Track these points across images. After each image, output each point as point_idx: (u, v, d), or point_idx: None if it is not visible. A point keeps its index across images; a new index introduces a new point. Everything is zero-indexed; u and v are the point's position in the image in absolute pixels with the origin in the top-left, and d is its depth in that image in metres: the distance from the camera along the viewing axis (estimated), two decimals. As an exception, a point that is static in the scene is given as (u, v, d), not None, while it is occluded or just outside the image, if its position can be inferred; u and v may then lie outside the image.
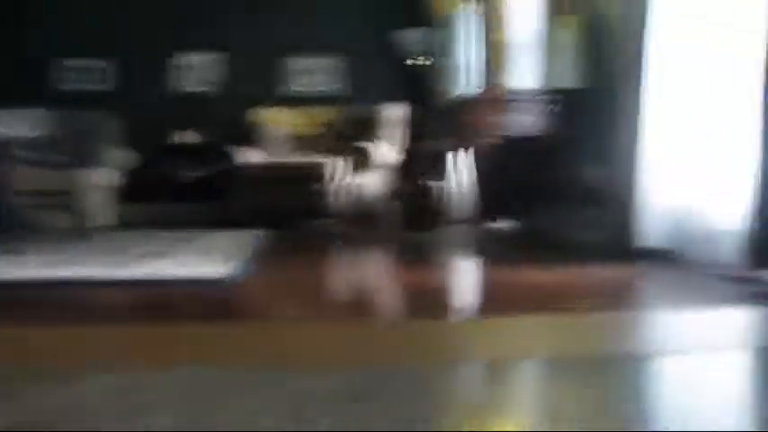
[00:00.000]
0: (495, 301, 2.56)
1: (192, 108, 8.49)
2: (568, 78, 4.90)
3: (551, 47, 5.14)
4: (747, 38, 3.16)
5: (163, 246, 4.56)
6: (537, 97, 4.31)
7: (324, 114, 8.27)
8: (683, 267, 3.29)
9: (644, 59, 3.71)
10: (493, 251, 4.55)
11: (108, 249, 4.34)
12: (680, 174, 3.54)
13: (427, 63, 8.20)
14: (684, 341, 1.83)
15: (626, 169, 3.76)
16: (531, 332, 1.86)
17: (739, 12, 3.25)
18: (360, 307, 2.47)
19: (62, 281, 3.05)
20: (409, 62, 8.36)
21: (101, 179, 7.13)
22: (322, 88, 8.91)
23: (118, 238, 5.38)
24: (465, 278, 3.47)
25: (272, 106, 8.38)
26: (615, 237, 3.82)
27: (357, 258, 4.50)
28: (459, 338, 1.87)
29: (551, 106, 4.23)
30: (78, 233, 5.50)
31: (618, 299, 2.62)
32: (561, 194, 5.55)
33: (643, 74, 3.71)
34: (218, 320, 2.23)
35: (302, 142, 8.20)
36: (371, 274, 3.54)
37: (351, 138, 7.80)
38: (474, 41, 4.44)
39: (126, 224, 7.47)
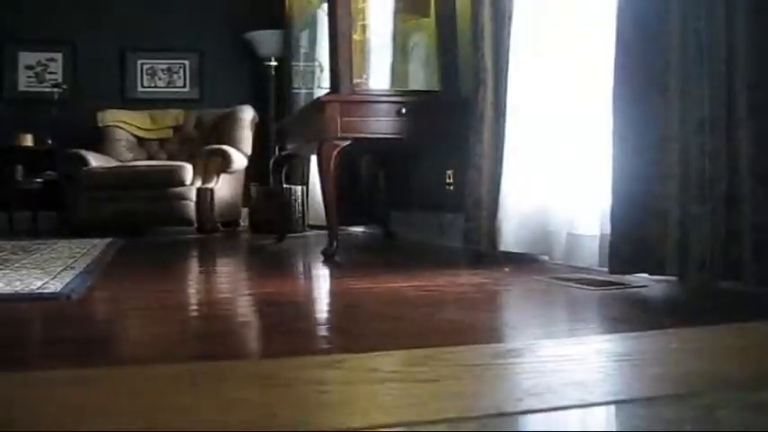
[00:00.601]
0: (350, 313, 2.41)
1: (33, 109, 8.03)
2: (424, 80, 4.84)
3: (406, 48, 5.07)
4: (602, 34, 3.13)
5: (-5, 257, 4.24)
6: (393, 99, 4.18)
7: (174, 116, 7.97)
8: (542, 272, 3.21)
9: (500, 60, 3.65)
10: (350, 258, 4.40)
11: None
12: (539, 176, 3.48)
13: (281, 65, 8.04)
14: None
15: (485, 172, 3.68)
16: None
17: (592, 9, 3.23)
18: (203, 327, 2.27)
19: None
20: (263, 63, 8.19)
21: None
22: (172, 89, 8.62)
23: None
24: (319, 288, 3.30)
25: (118, 108, 8.03)
26: (475, 241, 3.73)
27: (209, 268, 4.26)
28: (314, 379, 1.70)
29: (407, 108, 4.11)
30: None
31: (477, 306, 2.50)
32: (419, 199, 5.49)
33: (500, 75, 3.64)
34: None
35: (151, 145, 7.89)
36: (218, 285, 3.32)
37: (202, 141, 7.58)
38: (328, 42, 4.26)
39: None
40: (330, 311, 2.53)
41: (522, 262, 3.60)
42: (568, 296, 2.68)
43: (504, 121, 3.59)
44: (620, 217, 2.65)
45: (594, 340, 1.87)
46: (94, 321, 2.33)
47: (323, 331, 2.08)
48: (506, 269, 3.37)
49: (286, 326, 2.15)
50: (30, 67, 8.35)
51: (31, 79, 8.34)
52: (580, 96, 3.26)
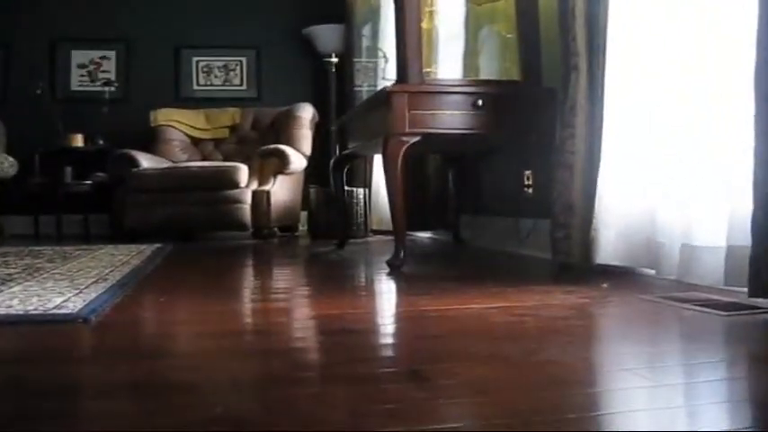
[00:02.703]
0: (428, 349, 1.92)
1: (85, 109, 7.70)
2: (499, 70, 4.34)
3: (479, 36, 4.58)
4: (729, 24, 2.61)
5: (30, 265, 3.84)
6: (468, 89, 3.69)
7: (230, 116, 7.57)
8: (651, 291, 2.70)
9: (595, 41, 3.13)
10: (419, 269, 3.93)
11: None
12: (648, 176, 2.95)
13: (342, 61, 7.60)
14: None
15: (578, 172, 3.16)
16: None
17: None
18: (246, 362, 1.81)
19: None
20: (323, 60, 7.77)
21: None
22: (228, 88, 8.23)
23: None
24: (386, 310, 2.81)
25: (173, 107, 7.66)
26: (564, 252, 3.22)
27: (263, 280, 3.81)
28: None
29: (483, 100, 3.62)
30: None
31: (583, 341, 2.00)
32: (492, 202, 4.99)
33: (595, 58, 3.12)
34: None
35: (206, 146, 7.51)
36: (272, 304, 2.86)
37: (259, 141, 7.18)
38: (395, 29, 3.78)
39: (4, 239, 6.72)
40: (400, 345, 2.04)
41: (621, 277, 3.08)
42: (692, 322, 2.16)
43: (601, 112, 3.07)
44: (763, 227, 2.11)
45: None
46: (97, 360, 1.87)
47: (391, 380, 1.59)
48: (604, 285, 2.86)
49: (344, 369, 1.67)
50: (82, 66, 8.04)
51: (84, 78, 8.03)
52: (700, 78, 2.72)
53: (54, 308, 2.41)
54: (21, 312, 2.34)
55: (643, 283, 2.92)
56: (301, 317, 2.54)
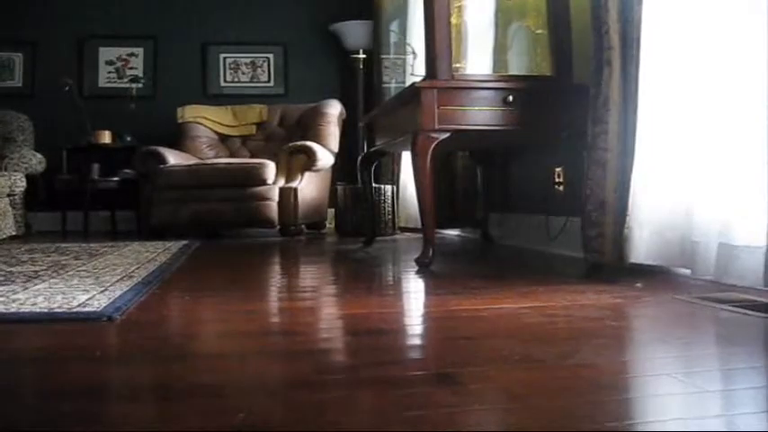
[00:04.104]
0: (459, 352, 1.87)
1: (113, 106, 7.71)
2: (529, 65, 4.27)
3: (509, 31, 4.51)
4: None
5: (56, 262, 3.83)
6: (498, 85, 3.63)
7: (257, 112, 7.54)
8: (685, 290, 2.63)
9: (629, 34, 3.05)
10: (447, 267, 3.87)
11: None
12: (680, 174, 2.88)
13: (370, 57, 7.55)
14: None
15: (611, 169, 3.09)
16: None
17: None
18: (271, 364, 1.76)
19: None
20: (351, 56, 7.72)
21: (6, 184, 6.33)
22: (255, 84, 8.21)
23: (10, 252, 4.60)
24: (415, 309, 2.76)
25: (200, 104, 7.64)
26: (597, 251, 3.15)
27: (289, 278, 3.77)
28: None
29: (513, 96, 3.56)
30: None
31: (616, 343, 1.95)
32: (522, 200, 4.93)
33: (629, 52, 3.05)
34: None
35: (233, 142, 7.49)
36: (298, 303, 2.82)
37: (287, 137, 7.15)
38: (424, 24, 3.72)
39: (32, 235, 6.73)
40: (430, 347, 1.98)
41: (656, 277, 3.01)
42: (730, 325, 2.10)
43: (635, 108, 3.00)
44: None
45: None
46: (121, 360, 1.83)
47: (420, 384, 1.54)
48: (638, 285, 2.79)
49: (371, 372, 1.62)
50: (110, 63, 8.06)
51: (112, 75, 8.04)
52: (738, 73, 2.64)
53: (78, 306, 2.38)
54: (45, 310, 2.31)
55: (678, 284, 2.85)
56: (328, 317, 2.49)
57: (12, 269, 3.55)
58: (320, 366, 1.72)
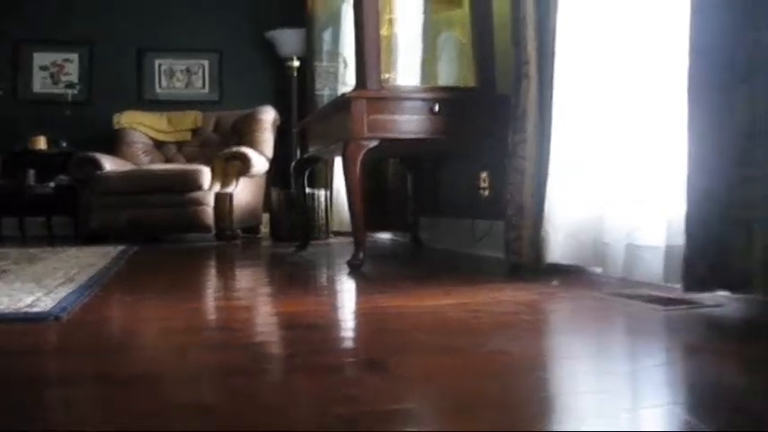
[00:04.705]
0: (383, 343, 2.04)
1: (48, 111, 7.75)
2: (456, 76, 4.48)
3: (437, 43, 4.71)
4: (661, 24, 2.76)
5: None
6: (424, 95, 3.83)
7: (192, 119, 7.65)
8: (596, 288, 2.85)
9: (545, 50, 3.27)
10: (378, 268, 4.05)
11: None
12: (591, 179, 3.10)
13: (304, 64, 7.72)
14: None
15: (529, 176, 3.30)
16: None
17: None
18: (211, 354, 1.92)
19: None
20: (285, 63, 7.87)
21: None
22: (190, 90, 8.31)
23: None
24: (345, 306, 2.94)
25: (135, 110, 7.72)
26: (516, 252, 3.36)
27: (225, 279, 3.91)
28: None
29: (439, 105, 3.76)
30: None
31: (530, 334, 2.14)
32: (450, 204, 5.13)
33: (545, 66, 3.27)
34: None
35: (169, 149, 7.58)
36: (235, 302, 2.97)
37: (222, 143, 7.27)
38: (354, 35, 3.90)
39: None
40: (361, 339, 2.16)
41: (571, 275, 3.22)
42: (634, 316, 2.31)
43: (549, 118, 3.21)
44: (696, 227, 2.26)
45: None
46: (66, 354, 1.97)
47: (351, 369, 1.71)
48: (555, 283, 3.01)
49: (306, 360, 1.79)
50: (44, 68, 8.08)
51: (46, 80, 8.07)
52: (642, 87, 2.87)
53: (26, 307, 2.51)
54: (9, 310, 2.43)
55: (591, 281, 3.07)
56: (264, 314, 2.65)
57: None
58: (257, 356, 1.88)
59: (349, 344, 2.09)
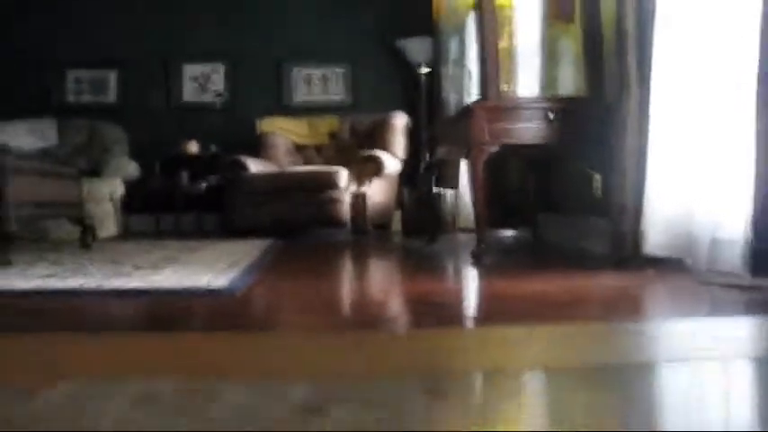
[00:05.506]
0: (496, 311, 2.54)
1: (197, 118, 8.52)
2: (571, 86, 4.90)
3: (553, 54, 5.14)
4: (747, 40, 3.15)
5: (167, 255, 4.56)
6: (540, 105, 4.29)
7: (329, 123, 8.27)
8: (687, 276, 3.26)
9: (644, 64, 3.69)
10: (498, 259, 4.52)
11: (110, 259, 4.34)
12: (683, 181, 3.51)
13: (432, 71, 8.22)
14: (686, 350, 1.82)
15: (630, 177, 3.74)
16: (532, 341, 1.85)
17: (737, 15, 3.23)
18: (362, 316, 2.45)
19: (59, 291, 3.05)
20: (414, 70, 8.38)
21: (107, 189, 7.17)
22: (327, 97, 8.92)
23: (122, 248, 5.37)
24: (467, 287, 3.44)
25: (276, 115, 8.40)
26: (620, 245, 3.79)
27: (363, 267, 4.47)
28: (460, 347, 1.85)
29: (554, 114, 4.21)
30: (83, 243, 5.50)
31: (621, 307, 2.59)
32: (567, 202, 5.55)
33: (644, 79, 3.69)
34: (215, 330, 2.21)
35: (308, 151, 8.22)
36: (375, 283, 3.51)
37: (356, 146, 7.84)
38: (477, 50, 4.40)
39: (131, 234, 7.53)
40: (479, 306, 2.67)
41: (665, 265, 3.63)
42: (714, 296, 2.74)
43: (647, 126, 3.64)
44: (761, 220, 2.67)
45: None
46: (254, 312, 2.54)
47: (469, 321, 2.22)
48: (651, 272, 3.43)
49: (429, 318, 2.31)
50: (194, 79, 8.82)
51: (195, 89, 8.82)
52: (725, 98, 3.27)
53: (206, 284, 3.11)
54: (186, 287, 3.04)
55: (681, 270, 3.48)
56: (398, 293, 3.19)
57: (134, 260, 4.30)
58: (394, 310, 2.41)
59: (465, 311, 2.61)
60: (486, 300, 2.92)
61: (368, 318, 2.44)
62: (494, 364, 1.65)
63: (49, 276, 3.50)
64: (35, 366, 1.71)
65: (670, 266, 3.60)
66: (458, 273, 4.02)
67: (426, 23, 8.26)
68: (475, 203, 4.34)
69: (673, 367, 1.67)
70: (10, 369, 1.68)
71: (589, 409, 1.31)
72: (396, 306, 2.80)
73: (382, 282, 3.56)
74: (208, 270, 3.70)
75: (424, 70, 8.34)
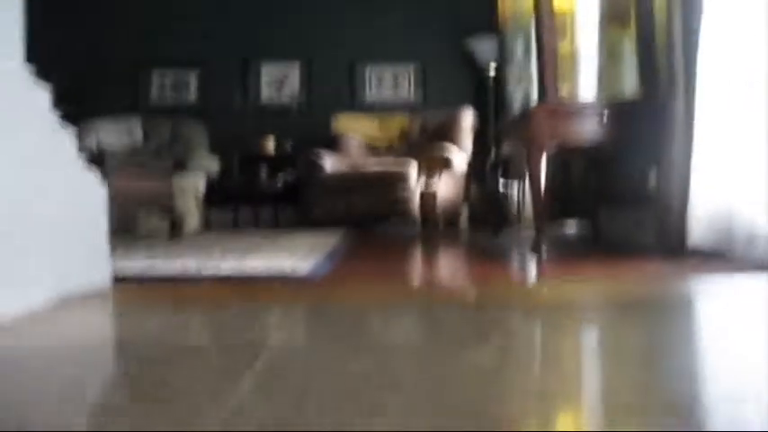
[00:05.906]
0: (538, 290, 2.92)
1: (274, 117, 8.98)
2: (626, 87, 5.20)
3: (611, 56, 5.43)
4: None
5: (249, 244, 4.99)
6: (595, 108, 4.62)
7: (399, 122, 8.64)
8: (731, 268, 3.56)
9: (691, 68, 4.00)
10: (556, 250, 4.88)
11: (199, 248, 4.78)
12: (725, 178, 3.81)
13: (498, 69, 8.52)
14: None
15: (677, 174, 4.06)
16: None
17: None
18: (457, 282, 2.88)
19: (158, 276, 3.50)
20: (481, 68, 8.68)
21: (192, 184, 7.65)
22: (397, 95, 9.27)
23: (208, 238, 5.82)
24: (532, 269, 3.86)
25: (349, 112, 8.80)
26: (667, 238, 4.11)
27: (434, 256, 4.90)
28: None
29: (608, 116, 4.53)
30: (172, 235, 5.96)
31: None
32: (625, 198, 5.85)
33: (691, 80, 4.00)
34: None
35: (380, 148, 8.60)
36: (449, 266, 3.99)
37: (426, 143, 8.19)
38: (536, 54, 4.75)
39: (214, 226, 8.01)
40: (525, 290, 3.04)
41: (707, 257, 3.92)
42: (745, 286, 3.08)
43: (693, 125, 3.95)
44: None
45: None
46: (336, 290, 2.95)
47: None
48: (692, 263, 3.75)
49: (490, 301, 2.68)
50: (270, 80, 9.27)
51: (272, 90, 9.26)
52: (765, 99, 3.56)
53: (290, 268, 3.53)
54: (271, 271, 3.47)
55: (722, 262, 3.78)
56: (459, 277, 3.57)
57: (224, 248, 4.74)
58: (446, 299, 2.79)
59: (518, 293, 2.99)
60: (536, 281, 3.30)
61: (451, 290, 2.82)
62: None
63: (150, 258, 3.96)
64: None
65: (710, 258, 3.91)
66: (517, 262, 4.39)
67: (494, 23, 8.56)
68: (533, 201, 4.68)
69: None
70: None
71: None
72: (461, 281, 3.19)
73: (447, 267, 3.96)
74: (291, 256, 4.12)
75: (492, 68, 8.64)
